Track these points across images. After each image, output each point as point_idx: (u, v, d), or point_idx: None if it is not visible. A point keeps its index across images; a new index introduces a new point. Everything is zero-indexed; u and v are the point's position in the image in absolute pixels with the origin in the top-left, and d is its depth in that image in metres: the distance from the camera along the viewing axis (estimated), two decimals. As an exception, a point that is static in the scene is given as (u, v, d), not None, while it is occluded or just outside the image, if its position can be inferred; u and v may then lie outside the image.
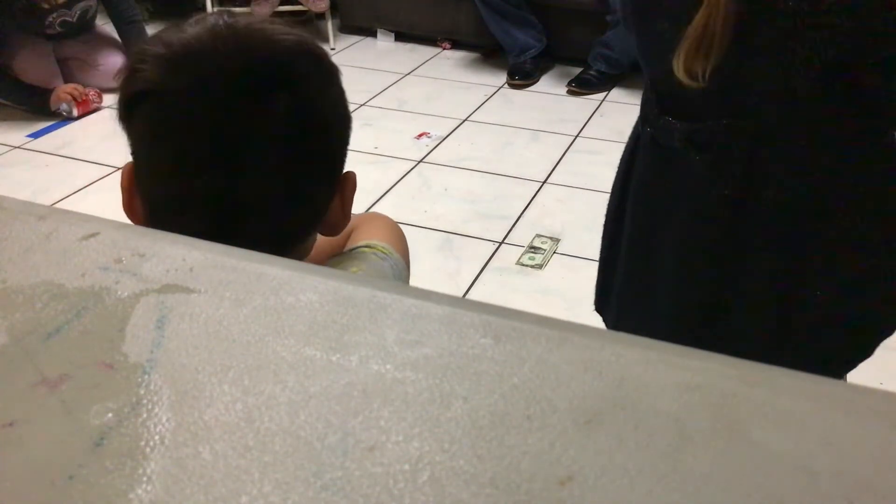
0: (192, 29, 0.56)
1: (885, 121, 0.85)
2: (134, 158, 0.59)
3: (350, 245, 0.76)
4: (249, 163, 0.56)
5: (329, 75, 0.59)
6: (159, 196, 0.58)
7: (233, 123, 0.55)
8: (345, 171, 0.63)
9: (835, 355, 0.98)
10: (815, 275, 0.91)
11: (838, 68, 0.77)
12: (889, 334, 0.97)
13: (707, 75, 0.78)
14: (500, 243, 2.09)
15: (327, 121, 0.59)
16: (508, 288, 1.92)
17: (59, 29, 2.84)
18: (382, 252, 0.73)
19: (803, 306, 0.93)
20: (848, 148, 0.85)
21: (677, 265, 0.98)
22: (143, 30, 3.02)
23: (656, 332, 0.29)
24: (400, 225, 0.90)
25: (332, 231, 0.65)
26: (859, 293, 0.93)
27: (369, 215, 0.90)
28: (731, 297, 0.95)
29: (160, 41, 0.56)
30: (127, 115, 0.58)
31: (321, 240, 0.85)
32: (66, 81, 2.86)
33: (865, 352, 0.98)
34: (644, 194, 1.01)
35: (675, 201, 0.95)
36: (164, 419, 0.25)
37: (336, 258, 0.72)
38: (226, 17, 0.57)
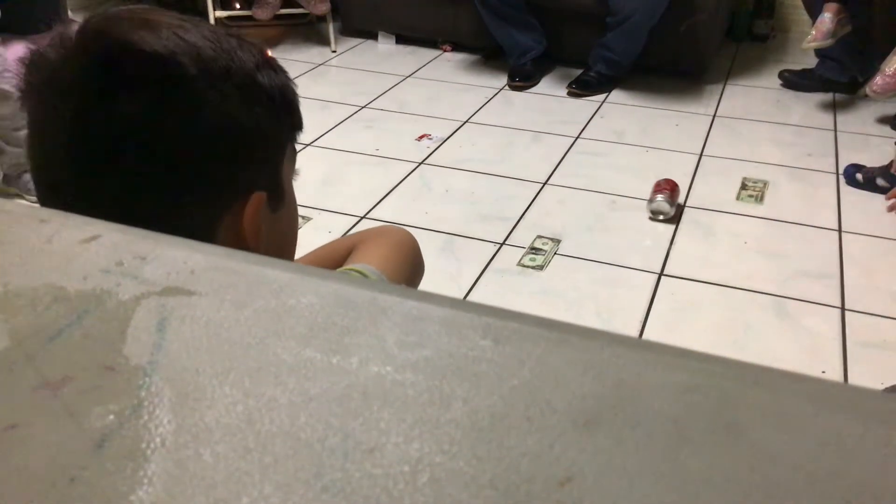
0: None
1: None
2: None
3: (345, 266, 0.76)
4: (80, 178, 0.53)
5: (186, 79, 0.52)
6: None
7: (60, 132, 0.52)
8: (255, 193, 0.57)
9: None
10: None
11: None
12: None
13: None
14: (501, 244, 2.09)
15: (181, 132, 0.53)
16: (509, 289, 1.92)
17: None
18: (355, 276, 0.72)
19: None
20: None
21: None
22: None
23: None
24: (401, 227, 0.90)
25: None
26: None
27: (371, 232, 0.89)
28: None
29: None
30: None
31: (322, 257, 0.85)
32: None
33: None
34: None
35: None
36: (165, 421, 0.25)
37: None
38: (104, 15, 0.53)
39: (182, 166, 0.53)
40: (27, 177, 2.29)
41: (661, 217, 2.20)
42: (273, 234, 0.61)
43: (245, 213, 0.57)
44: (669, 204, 2.19)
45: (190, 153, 0.53)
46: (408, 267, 0.82)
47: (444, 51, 3.55)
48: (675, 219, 2.20)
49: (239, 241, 0.57)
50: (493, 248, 2.07)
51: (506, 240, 2.12)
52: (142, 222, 0.52)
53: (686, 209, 2.27)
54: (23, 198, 2.25)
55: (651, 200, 2.21)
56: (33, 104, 0.54)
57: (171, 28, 0.53)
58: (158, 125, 0.52)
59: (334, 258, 0.82)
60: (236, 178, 0.56)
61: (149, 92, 0.51)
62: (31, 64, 0.53)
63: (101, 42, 0.52)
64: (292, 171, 0.64)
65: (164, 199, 0.54)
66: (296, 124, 0.62)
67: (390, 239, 0.85)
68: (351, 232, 2.12)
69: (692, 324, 1.81)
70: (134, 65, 0.51)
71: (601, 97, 3.07)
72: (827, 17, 2.78)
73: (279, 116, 0.59)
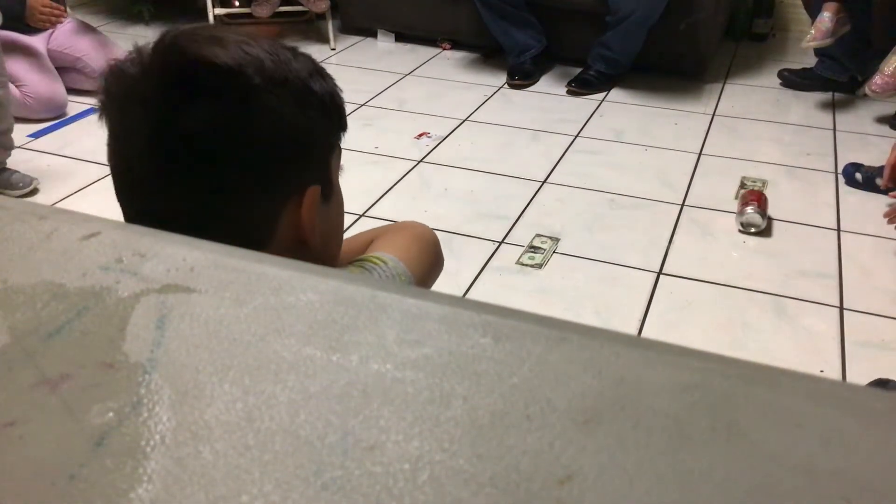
0: (145, 44, 0.59)
1: None
2: None
3: (364, 255, 0.77)
4: (159, 180, 0.58)
5: (252, 88, 0.58)
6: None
7: (141, 139, 0.58)
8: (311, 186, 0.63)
9: None
10: None
11: None
12: None
13: None
14: (500, 243, 2.10)
15: (249, 136, 0.58)
16: (508, 287, 1.92)
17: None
18: (371, 263, 0.74)
19: None
20: None
21: None
22: None
23: None
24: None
25: (293, 254, 0.63)
26: None
27: (392, 226, 0.91)
28: None
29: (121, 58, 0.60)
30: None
31: (344, 249, 0.86)
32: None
33: None
34: None
35: None
36: (164, 418, 0.25)
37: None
38: (175, 32, 0.59)
39: (249, 166, 0.59)
40: (6, 174, 2.29)
41: (753, 230, 2.11)
42: (325, 224, 0.67)
43: (303, 205, 0.62)
44: (761, 216, 2.09)
45: (256, 154, 0.59)
46: (427, 258, 0.84)
47: (444, 49, 3.55)
48: (767, 231, 2.14)
49: (298, 231, 0.63)
50: (491, 247, 2.08)
51: (505, 238, 2.12)
52: (213, 217, 0.59)
53: (685, 208, 2.27)
54: (4, 193, 2.25)
55: (741, 213, 2.12)
56: (114, 114, 0.59)
57: (237, 44, 0.59)
58: (229, 130, 0.57)
59: (354, 249, 0.83)
60: (295, 176, 0.62)
61: (221, 101, 0.57)
62: (111, 77, 0.59)
63: (177, 57, 0.57)
64: (338, 167, 0.70)
65: (234, 196, 0.59)
66: (342, 126, 0.68)
67: (410, 231, 0.87)
68: (351, 230, 2.13)
69: (691, 323, 1.81)
70: (207, 76, 0.57)
71: (600, 96, 3.07)
72: (826, 17, 2.78)
73: (329, 118, 0.65)
